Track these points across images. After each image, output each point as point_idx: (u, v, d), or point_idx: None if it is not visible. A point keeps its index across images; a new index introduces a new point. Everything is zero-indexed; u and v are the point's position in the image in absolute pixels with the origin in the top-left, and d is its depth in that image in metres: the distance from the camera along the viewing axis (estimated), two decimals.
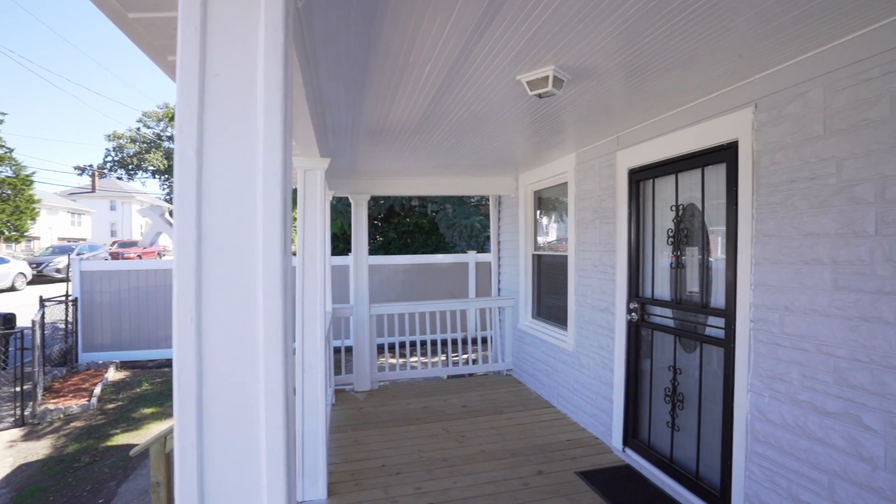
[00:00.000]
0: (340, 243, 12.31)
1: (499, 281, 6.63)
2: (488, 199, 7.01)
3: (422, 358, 8.11)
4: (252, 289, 0.80)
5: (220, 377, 0.78)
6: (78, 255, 10.61)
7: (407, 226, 13.20)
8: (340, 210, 11.67)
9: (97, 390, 6.60)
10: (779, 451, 2.32)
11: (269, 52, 0.80)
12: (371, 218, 13.16)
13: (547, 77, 2.16)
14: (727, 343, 2.63)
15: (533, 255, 5.62)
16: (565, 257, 4.63)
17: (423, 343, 8.83)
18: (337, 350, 8.04)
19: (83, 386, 6.91)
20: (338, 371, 5.96)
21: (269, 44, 0.80)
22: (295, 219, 7.55)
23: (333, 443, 4.06)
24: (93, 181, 38.44)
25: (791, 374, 2.24)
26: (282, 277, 0.81)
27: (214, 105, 0.79)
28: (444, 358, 7.48)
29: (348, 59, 2.03)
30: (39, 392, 6.02)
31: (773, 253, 2.33)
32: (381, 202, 12.29)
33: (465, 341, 8.07)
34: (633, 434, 3.55)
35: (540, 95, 2.26)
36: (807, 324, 2.17)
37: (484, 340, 7.36)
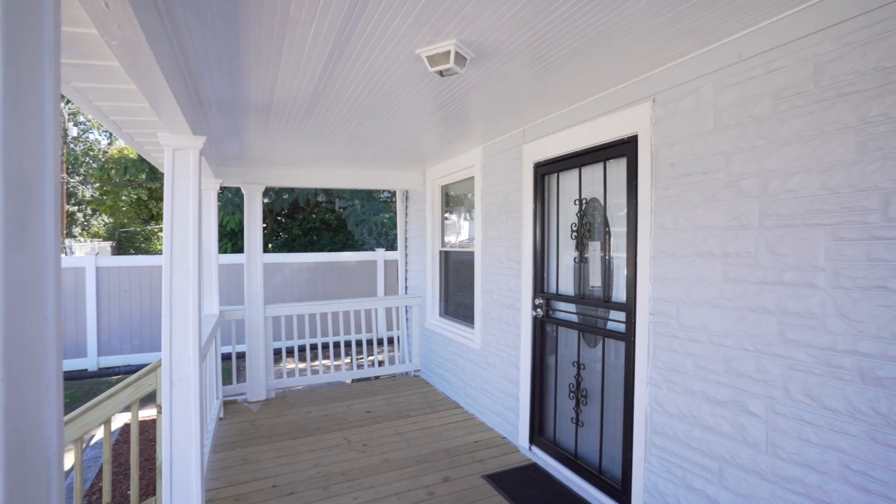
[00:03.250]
0: (240, 240, 11.32)
1: (406, 279, 6.41)
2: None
3: (324, 361, 7.65)
4: None
5: None
6: None
7: (313, 222, 12.50)
8: (237, 203, 10.73)
9: None
10: (675, 442, 2.35)
11: None
12: (274, 214, 12.27)
13: (448, 52, 1.97)
14: (628, 337, 2.64)
15: (440, 252, 5.47)
16: (472, 254, 4.53)
17: (327, 346, 8.36)
18: (227, 357, 7.31)
19: None
20: (228, 380, 5.36)
21: None
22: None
23: (217, 464, 3.57)
24: None
25: (686, 365, 2.28)
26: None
27: None
28: (348, 361, 7.09)
29: (213, 9, 1.67)
30: None
31: (670, 246, 2.36)
32: (285, 196, 11.49)
33: (371, 342, 7.74)
34: (539, 432, 3.51)
35: (441, 73, 2.07)
36: (700, 315, 2.21)
37: (391, 341, 7.10)
